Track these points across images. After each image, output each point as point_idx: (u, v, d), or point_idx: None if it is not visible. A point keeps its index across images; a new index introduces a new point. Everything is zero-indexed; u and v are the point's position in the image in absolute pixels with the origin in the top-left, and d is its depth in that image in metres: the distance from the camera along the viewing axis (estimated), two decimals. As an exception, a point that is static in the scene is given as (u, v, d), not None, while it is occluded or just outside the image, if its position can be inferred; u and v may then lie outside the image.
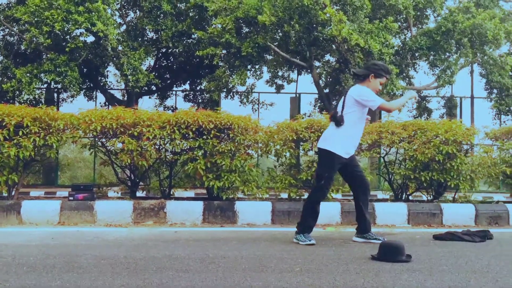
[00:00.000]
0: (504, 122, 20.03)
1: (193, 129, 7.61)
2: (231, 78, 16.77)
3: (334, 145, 5.79)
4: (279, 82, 20.80)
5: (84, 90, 20.01)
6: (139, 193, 8.59)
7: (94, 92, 20.86)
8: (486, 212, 8.00)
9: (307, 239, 5.73)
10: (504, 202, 8.92)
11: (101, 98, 20.66)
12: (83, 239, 5.91)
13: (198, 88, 21.28)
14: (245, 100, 20.27)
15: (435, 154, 8.10)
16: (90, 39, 16.69)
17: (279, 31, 16.42)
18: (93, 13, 15.08)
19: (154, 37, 18.81)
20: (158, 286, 3.69)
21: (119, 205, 7.50)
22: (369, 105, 5.78)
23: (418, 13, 18.33)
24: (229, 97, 19.87)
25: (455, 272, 4.31)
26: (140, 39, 18.10)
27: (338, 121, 5.76)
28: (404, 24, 18.66)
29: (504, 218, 8.01)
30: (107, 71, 19.55)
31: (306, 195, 8.50)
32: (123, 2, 18.67)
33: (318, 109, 20.52)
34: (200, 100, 21.41)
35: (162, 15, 17.70)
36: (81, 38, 16.15)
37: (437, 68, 18.10)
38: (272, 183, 8.46)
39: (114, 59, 16.54)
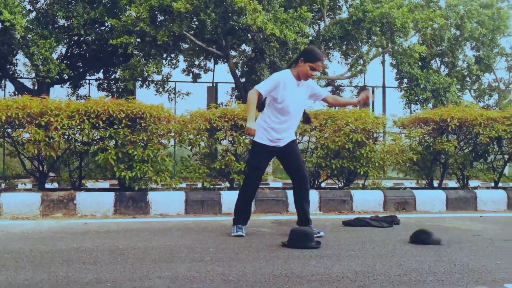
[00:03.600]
0: (414, 110, 20.72)
1: (104, 119, 7.41)
2: (146, 67, 16.53)
3: (256, 131, 5.51)
4: (196, 71, 20.76)
5: (-9, 79, 19.19)
6: (49, 185, 8.32)
7: (3, 81, 20.00)
8: (394, 198, 8.26)
9: (235, 230, 5.59)
10: (412, 188, 9.24)
11: (10, 87, 19.83)
12: (-14, 233, 5.68)
13: (112, 77, 20.81)
14: (161, 89, 20.07)
15: (345, 142, 8.29)
16: (-3, 26, 15.99)
17: (195, 19, 16.31)
18: (-2, 0, 14.45)
19: (66, 25, 18.23)
20: (64, 279, 3.60)
21: (26, 197, 7.22)
22: None
23: (332, 3, 18.67)
24: (144, 86, 19.55)
25: (362, 257, 4.43)
26: (50, 27, 17.50)
27: (259, 105, 5.63)
28: (318, 15, 18.95)
29: (411, 203, 8.30)
30: (16, 59, 18.81)
31: (222, 185, 8.54)
32: (32, -13, 17.98)
33: (235, 98, 20.56)
34: (114, 89, 20.94)
35: (73, 1, 17.19)
36: (-13, 26, 15.45)
37: (350, 57, 18.55)
38: (186, 173, 8.41)
39: (24, 47, 15.92)
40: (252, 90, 5.51)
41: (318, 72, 5.62)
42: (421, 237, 5.18)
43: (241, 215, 5.73)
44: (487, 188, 9.64)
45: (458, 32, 20.70)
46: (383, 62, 21.52)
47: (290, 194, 7.94)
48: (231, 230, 5.65)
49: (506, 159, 9.73)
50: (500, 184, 9.86)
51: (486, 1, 21.07)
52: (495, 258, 4.42)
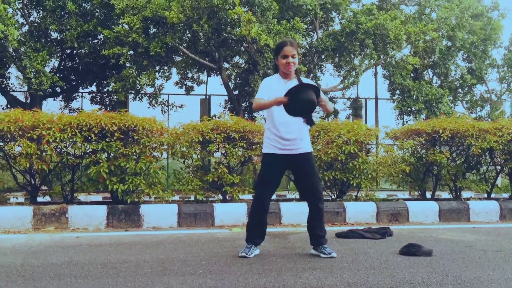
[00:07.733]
0: (407, 122, 20.79)
1: (96, 132, 7.40)
2: (139, 78, 16.54)
3: (264, 143, 5.23)
4: (189, 83, 20.77)
5: (-17, 93, 19.11)
6: (41, 198, 8.29)
7: (-4, 95, 19.93)
8: (386, 209, 8.27)
9: (241, 251, 5.13)
10: (405, 199, 9.25)
11: (2, 100, 19.77)
12: (-23, 247, 5.64)
13: (105, 89, 20.79)
14: (154, 102, 20.06)
15: (338, 154, 8.30)
16: (-11, 39, 15.96)
17: (187, 31, 16.36)
18: (-8, 12, 14.43)
19: (59, 38, 18.25)
20: (54, 293, 3.58)
21: (17, 211, 7.17)
22: None
23: (324, 15, 18.77)
24: (137, 99, 19.54)
25: (355, 269, 4.41)
26: (43, 40, 17.52)
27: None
28: (310, 27, 19.05)
29: (404, 215, 8.31)
30: (9, 72, 18.78)
31: (215, 197, 8.52)
32: (25, 1, 17.92)
33: (228, 111, 20.59)
34: (107, 102, 20.93)
35: (66, 14, 17.22)
36: (-21, 38, 15.42)
37: (342, 69, 18.61)
38: (179, 185, 8.39)
39: (16, 60, 15.92)
40: (254, 104, 5.13)
41: (292, 57, 5.05)
42: (411, 250, 5.18)
43: (252, 232, 5.22)
44: (480, 199, 9.66)
45: (449, 43, 20.83)
46: (375, 74, 21.62)
47: (283, 206, 7.95)
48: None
49: (498, 170, 9.76)
50: (492, 195, 9.89)
51: (477, 11, 21.21)
52: (488, 269, 4.41)
